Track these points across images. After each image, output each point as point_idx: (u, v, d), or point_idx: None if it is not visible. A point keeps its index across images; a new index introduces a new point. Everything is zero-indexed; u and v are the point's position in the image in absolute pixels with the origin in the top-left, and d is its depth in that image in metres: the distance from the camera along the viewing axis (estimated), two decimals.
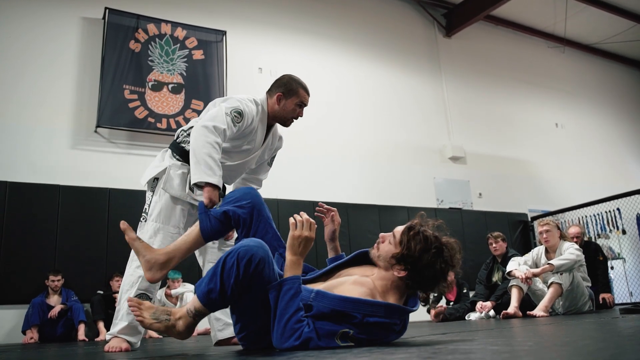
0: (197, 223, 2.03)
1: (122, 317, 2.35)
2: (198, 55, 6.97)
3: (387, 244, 1.74)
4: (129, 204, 5.44)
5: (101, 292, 5.39)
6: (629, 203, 7.57)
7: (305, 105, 2.67)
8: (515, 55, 10.38)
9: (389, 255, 1.70)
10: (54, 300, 5.21)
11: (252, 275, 1.59)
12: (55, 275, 5.22)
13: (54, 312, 5.05)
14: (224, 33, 7.19)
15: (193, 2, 7.32)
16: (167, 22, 6.86)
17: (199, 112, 6.26)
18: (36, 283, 5.24)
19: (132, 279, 2.36)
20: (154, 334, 5.30)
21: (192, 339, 4.19)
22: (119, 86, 6.34)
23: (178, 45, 6.87)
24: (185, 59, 6.89)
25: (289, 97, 2.60)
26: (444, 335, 2.06)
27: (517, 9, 9.77)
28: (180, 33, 6.92)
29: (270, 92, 2.65)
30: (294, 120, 2.68)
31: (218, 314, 2.58)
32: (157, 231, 2.40)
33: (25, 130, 5.87)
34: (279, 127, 2.78)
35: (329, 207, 2.17)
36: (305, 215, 1.75)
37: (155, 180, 2.50)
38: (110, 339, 2.34)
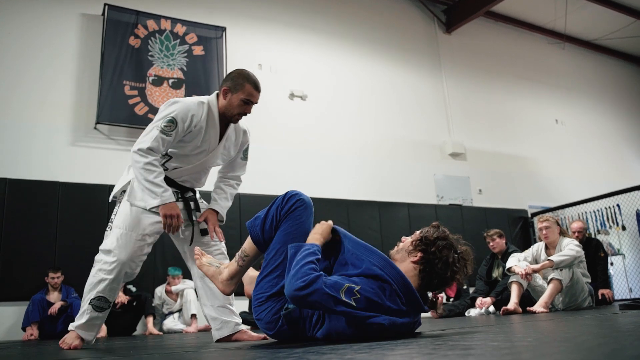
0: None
1: (81, 314, 2.46)
2: (198, 51, 6.96)
3: (407, 240, 1.87)
4: None
5: None
6: (629, 199, 7.58)
7: (253, 102, 2.56)
8: (516, 51, 10.37)
9: (407, 244, 1.83)
10: (54, 297, 5.21)
11: (291, 209, 1.86)
12: (55, 272, 5.22)
13: (54, 309, 5.05)
14: (223, 29, 7.18)
15: None
16: (166, 18, 6.85)
17: None
18: (36, 280, 5.25)
19: (93, 280, 2.47)
20: (155, 331, 5.33)
21: (191, 336, 4.20)
22: (119, 82, 6.34)
23: (178, 40, 6.86)
24: (186, 54, 6.88)
25: (234, 92, 2.53)
26: (444, 331, 2.06)
27: (518, 5, 9.76)
28: (180, 29, 6.91)
29: (220, 87, 2.60)
30: (240, 117, 2.59)
31: (214, 313, 2.63)
32: (120, 237, 2.49)
33: (25, 127, 5.87)
34: (242, 122, 2.71)
35: None
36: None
37: (122, 193, 2.62)
38: (68, 332, 2.47)
